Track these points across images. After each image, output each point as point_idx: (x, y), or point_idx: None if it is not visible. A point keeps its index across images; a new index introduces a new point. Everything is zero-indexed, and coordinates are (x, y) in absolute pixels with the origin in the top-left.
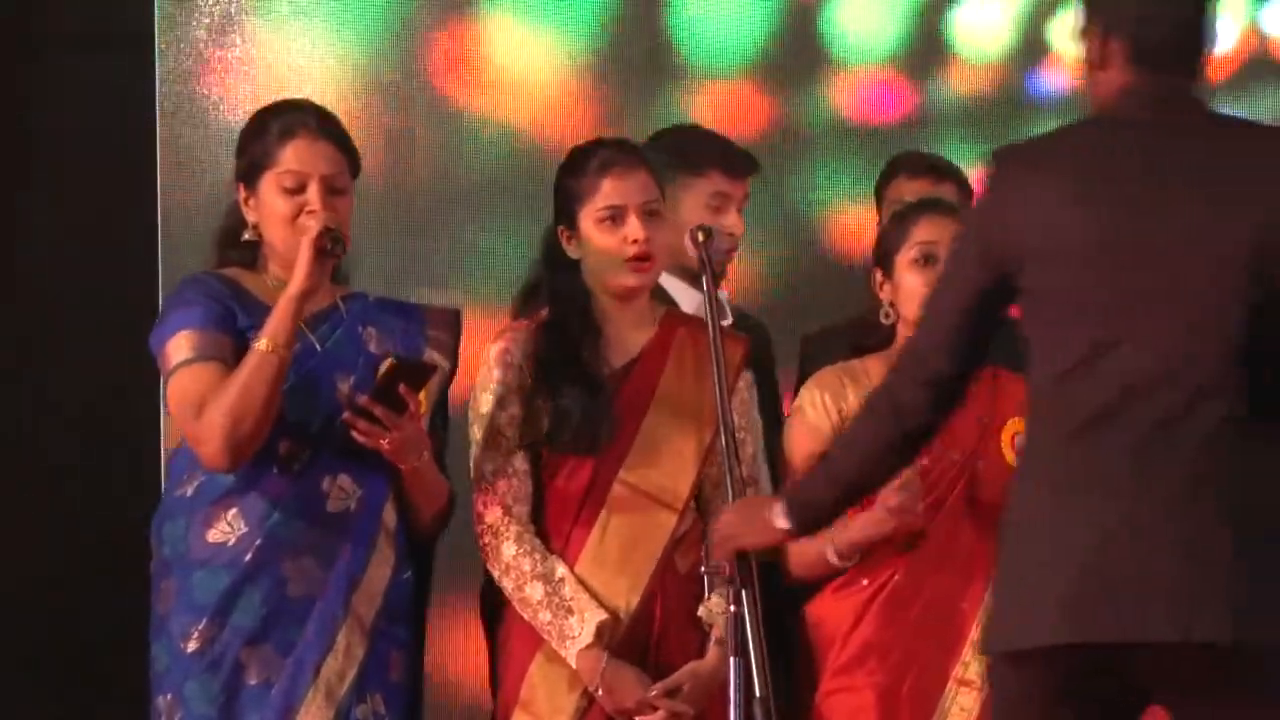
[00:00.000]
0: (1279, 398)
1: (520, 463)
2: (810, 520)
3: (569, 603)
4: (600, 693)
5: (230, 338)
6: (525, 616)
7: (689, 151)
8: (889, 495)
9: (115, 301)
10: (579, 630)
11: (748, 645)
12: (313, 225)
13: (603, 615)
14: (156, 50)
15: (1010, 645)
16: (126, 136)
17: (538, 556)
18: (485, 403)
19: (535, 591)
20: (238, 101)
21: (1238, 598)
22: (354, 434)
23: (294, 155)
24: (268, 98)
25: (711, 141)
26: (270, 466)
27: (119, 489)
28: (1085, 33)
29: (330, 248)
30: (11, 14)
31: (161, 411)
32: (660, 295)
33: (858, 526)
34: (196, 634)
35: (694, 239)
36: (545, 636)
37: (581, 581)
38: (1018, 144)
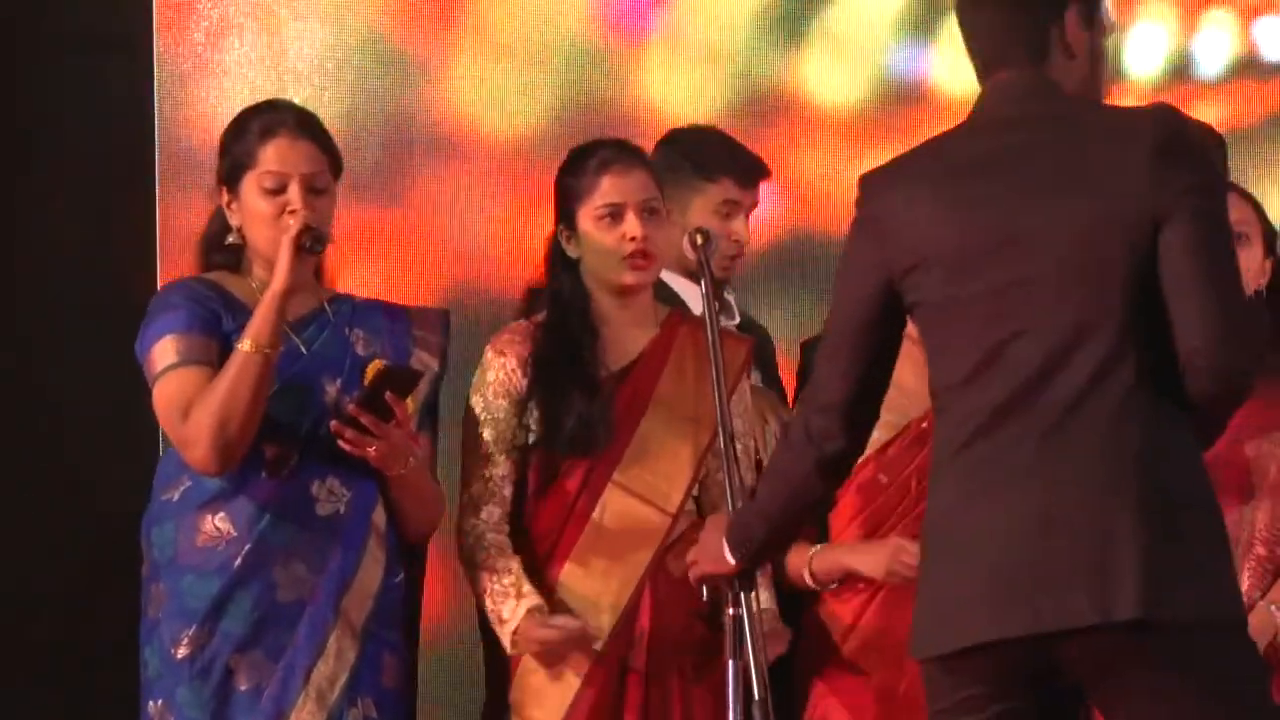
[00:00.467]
0: (1173, 370)
1: (499, 468)
2: (751, 555)
3: (509, 590)
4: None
5: (215, 341)
6: (485, 610)
7: (702, 156)
8: (906, 554)
9: (114, 304)
10: (509, 615)
11: (746, 648)
12: (291, 224)
13: (536, 601)
14: (155, 53)
15: (937, 649)
16: (125, 139)
17: (494, 552)
18: (475, 404)
19: (487, 583)
20: (236, 104)
21: (1152, 575)
22: (340, 443)
23: (274, 155)
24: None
25: (725, 147)
26: (258, 470)
27: (119, 490)
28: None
29: (310, 246)
30: (9, 16)
31: None
32: (666, 296)
33: (846, 555)
34: (187, 639)
35: (692, 242)
36: (494, 626)
37: (570, 581)
38: (880, 165)
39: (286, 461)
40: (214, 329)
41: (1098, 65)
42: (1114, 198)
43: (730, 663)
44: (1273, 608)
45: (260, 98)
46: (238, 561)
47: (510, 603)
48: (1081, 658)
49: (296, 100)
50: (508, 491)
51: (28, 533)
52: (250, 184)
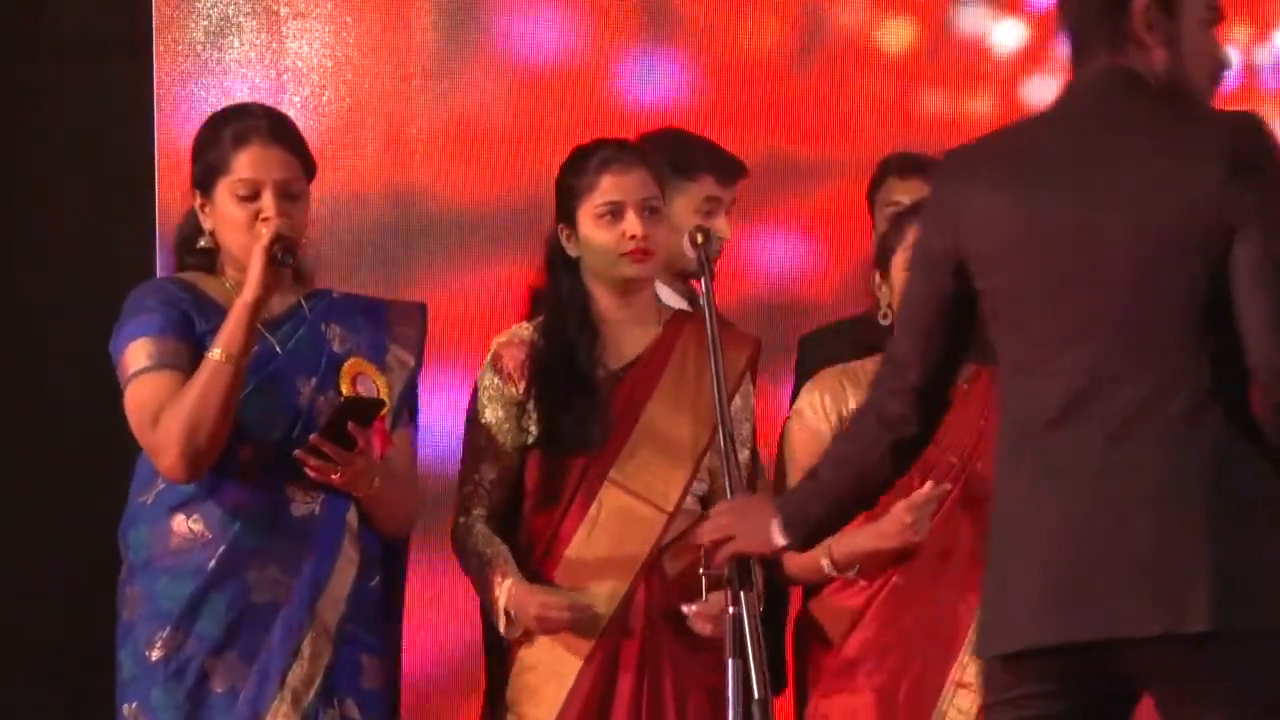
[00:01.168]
0: (1243, 380)
1: (490, 473)
2: (808, 537)
3: (499, 570)
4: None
5: (188, 345)
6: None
7: (681, 156)
8: (904, 510)
9: (113, 302)
10: (500, 592)
11: (746, 647)
12: (265, 233)
13: (516, 578)
14: (154, 52)
15: (999, 649)
16: (125, 138)
17: (482, 542)
18: (473, 406)
19: (478, 570)
20: (236, 103)
21: (1222, 585)
22: (305, 470)
23: (247, 163)
24: (265, 99)
25: (702, 147)
26: (233, 472)
27: (116, 491)
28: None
29: (281, 257)
30: (10, 16)
31: None
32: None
33: (861, 539)
34: (161, 641)
35: (693, 240)
36: (490, 610)
37: (566, 579)
38: (958, 148)
39: (260, 462)
40: (187, 332)
41: (1187, 57)
42: (1187, 207)
43: (730, 662)
44: None
45: (260, 97)
46: (212, 563)
47: (499, 579)
48: (1147, 665)
49: (296, 100)
50: (497, 496)
51: (27, 532)
52: (224, 190)
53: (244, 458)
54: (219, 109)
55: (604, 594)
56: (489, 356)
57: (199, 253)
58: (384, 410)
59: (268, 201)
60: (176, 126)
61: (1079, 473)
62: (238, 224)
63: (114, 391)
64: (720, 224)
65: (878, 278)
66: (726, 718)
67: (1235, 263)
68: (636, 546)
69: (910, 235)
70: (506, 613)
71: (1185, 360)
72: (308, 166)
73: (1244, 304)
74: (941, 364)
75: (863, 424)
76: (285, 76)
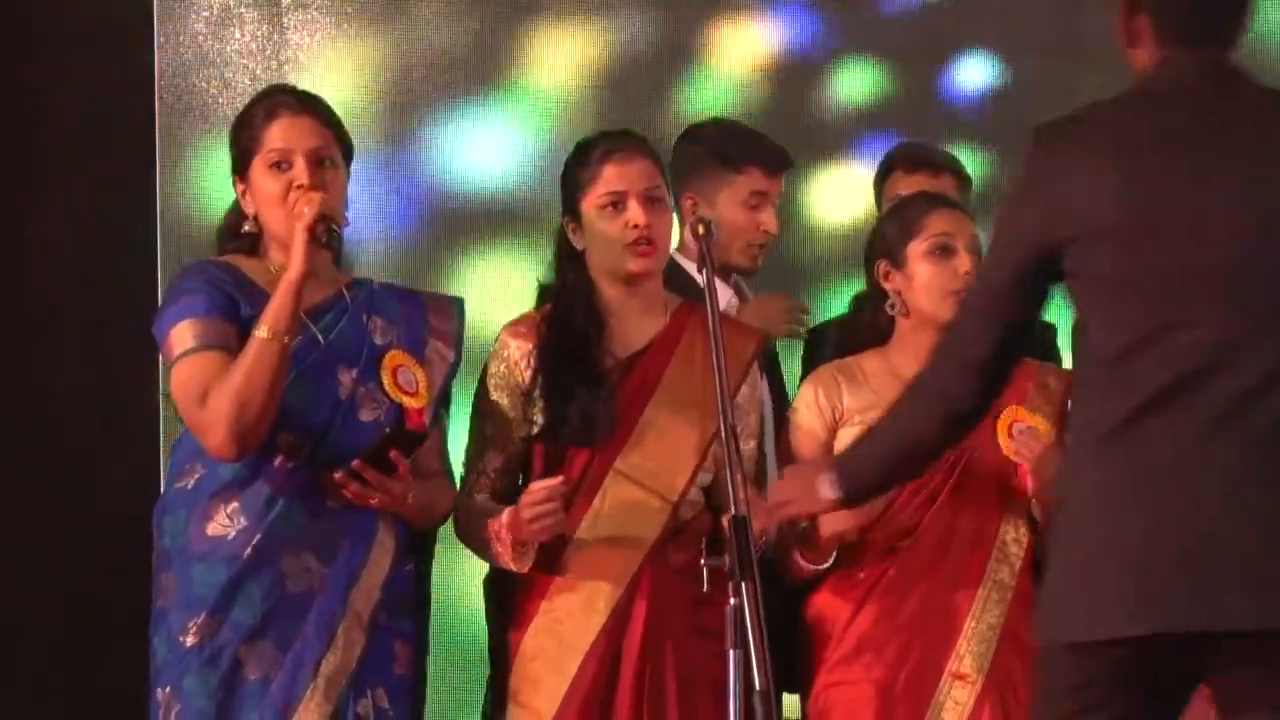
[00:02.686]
0: None
1: (495, 461)
2: (860, 493)
3: (493, 513)
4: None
5: (233, 325)
6: (490, 549)
7: (727, 148)
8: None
9: (114, 294)
10: (496, 525)
11: (747, 638)
12: (305, 211)
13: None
14: (155, 43)
15: (1077, 636)
16: (125, 129)
17: (478, 511)
18: (480, 395)
19: (478, 528)
20: (236, 95)
21: None
22: (344, 492)
23: (278, 133)
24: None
25: (749, 138)
26: (271, 460)
27: (119, 483)
28: (1119, 10)
29: (326, 241)
30: (11, 8)
31: (161, 405)
32: (680, 279)
33: (824, 523)
34: (195, 628)
35: (694, 231)
36: (494, 550)
37: (570, 568)
38: (1056, 121)
39: (299, 451)
40: (232, 313)
41: None
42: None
43: (731, 653)
44: None
45: (261, 88)
46: (248, 551)
47: (494, 519)
48: (1232, 660)
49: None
50: (501, 484)
51: (28, 531)
52: (258, 167)
53: (283, 446)
54: (248, 95)
55: (608, 583)
56: (497, 345)
57: (241, 239)
58: (425, 440)
59: (299, 169)
60: (177, 117)
61: (1173, 465)
62: (273, 196)
63: (115, 388)
64: (765, 217)
65: (885, 268)
66: (729, 708)
67: None
68: (641, 536)
69: (930, 225)
70: (511, 544)
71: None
72: (343, 139)
73: None
74: (1006, 339)
75: (925, 392)
76: (286, 67)
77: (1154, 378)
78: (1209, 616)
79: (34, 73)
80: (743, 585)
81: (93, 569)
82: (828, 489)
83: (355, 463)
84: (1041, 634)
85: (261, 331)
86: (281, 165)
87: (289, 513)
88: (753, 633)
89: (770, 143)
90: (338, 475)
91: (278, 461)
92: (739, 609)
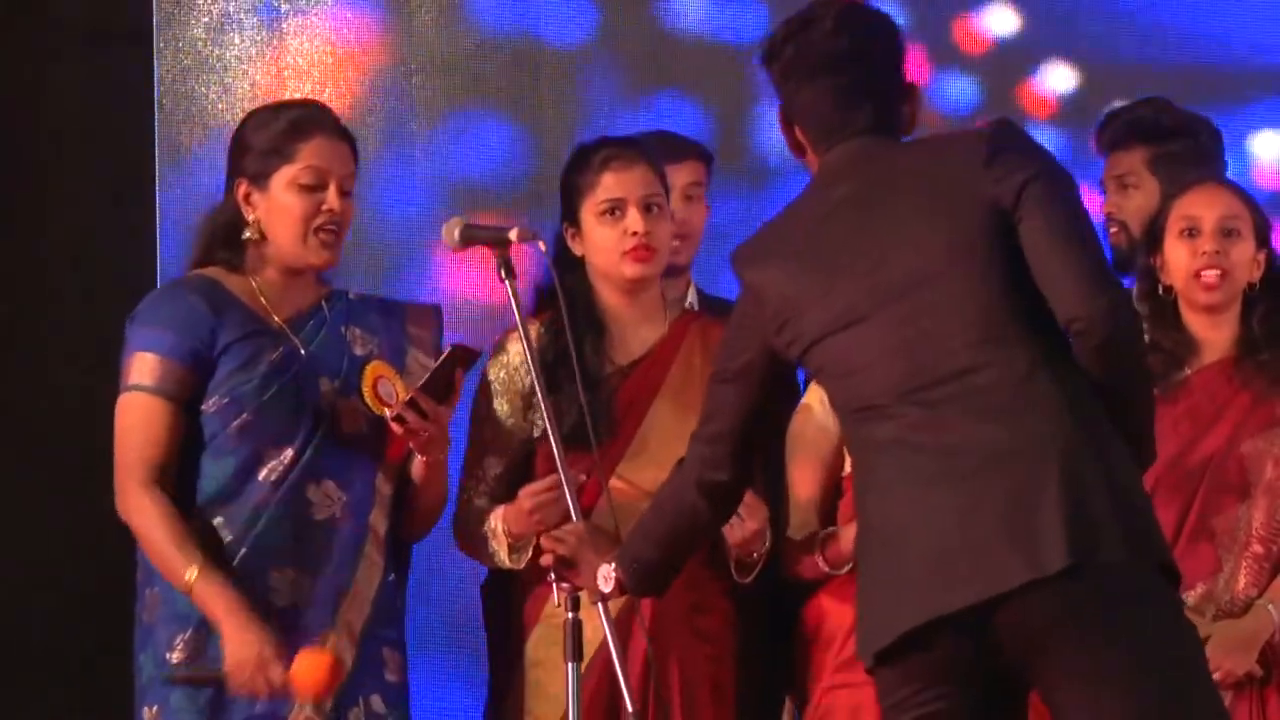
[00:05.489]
0: (1060, 339)
1: (495, 467)
2: (644, 578)
3: (492, 514)
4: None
5: (194, 374)
6: (487, 548)
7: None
8: None
9: (113, 299)
10: (494, 522)
11: (582, 649)
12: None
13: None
14: (155, 48)
15: (877, 643)
16: (125, 135)
17: (478, 518)
18: (479, 402)
19: (477, 531)
20: (236, 100)
21: (1078, 526)
22: (396, 427)
23: (315, 152)
24: (266, 96)
25: (653, 137)
26: (255, 474)
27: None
28: (781, 123)
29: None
30: (10, 12)
31: None
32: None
33: (848, 534)
34: (181, 644)
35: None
36: (493, 550)
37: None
38: (745, 241)
39: (282, 465)
40: (198, 358)
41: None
42: (966, 207)
43: (569, 666)
44: (1270, 607)
45: (260, 94)
46: (233, 565)
47: (492, 518)
48: (1021, 622)
49: (297, 97)
50: (501, 490)
51: (28, 531)
52: (284, 179)
53: (268, 460)
54: (268, 102)
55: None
56: (495, 349)
57: (231, 247)
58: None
59: (333, 194)
60: (177, 123)
61: (923, 467)
62: (298, 215)
63: (115, 391)
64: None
65: None
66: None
67: (1024, 236)
68: None
69: None
70: (509, 540)
71: (999, 339)
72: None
73: (1042, 263)
74: (750, 416)
75: (681, 467)
76: (286, 73)
77: (898, 396)
78: (982, 586)
79: (34, 78)
80: (600, 608)
81: (93, 569)
82: (603, 581)
83: (414, 391)
84: (857, 653)
85: (190, 573)
86: (313, 185)
87: (274, 527)
88: (616, 655)
89: (673, 135)
90: (398, 409)
91: (261, 475)
92: (578, 624)
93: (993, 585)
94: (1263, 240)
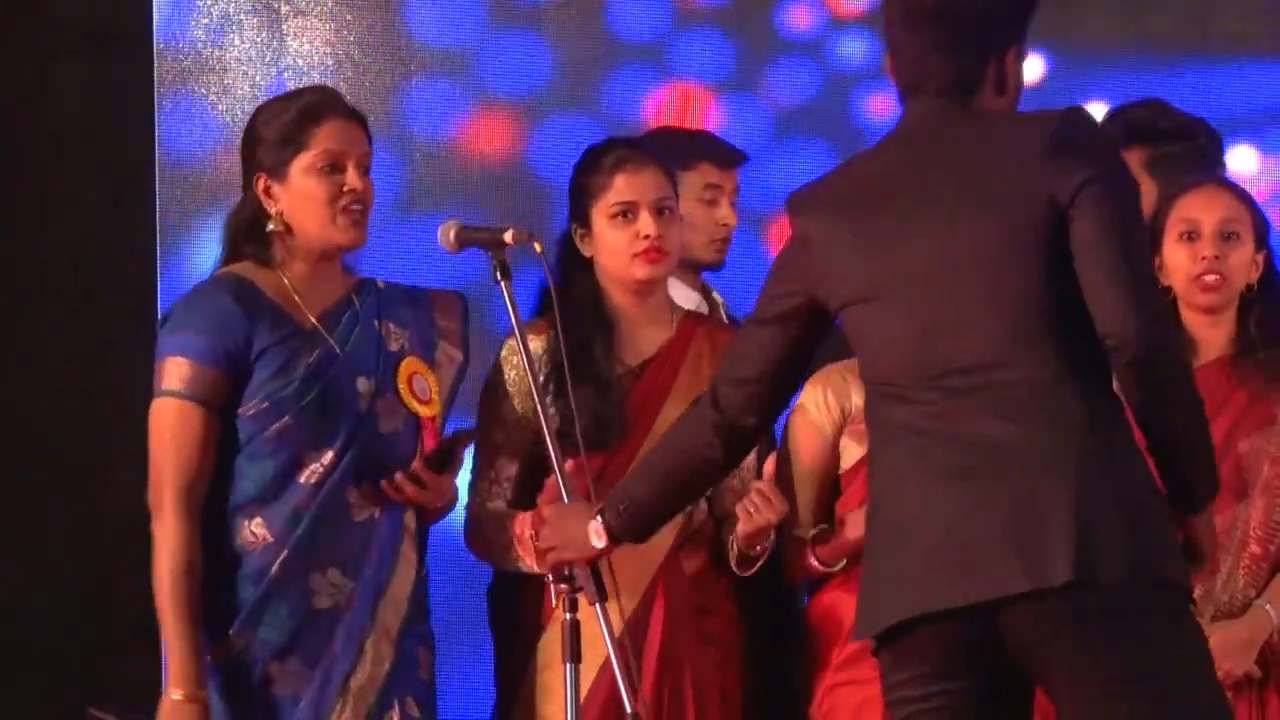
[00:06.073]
0: (1094, 347)
1: (508, 469)
2: (632, 531)
3: (512, 517)
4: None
5: (227, 378)
6: (511, 553)
7: (676, 147)
8: None
9: (113, 299)
10: (516, 527)
11: (580, 651)
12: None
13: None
14: (154, 50)
15: (872, 628)
16: (125, 135)
17: (493, 516)
18: (488, 404)
19: (494, 533)
20: (236, 100)
21: (1083, 540)
22: (392, 493)
23: (329, 136)
24: (266, 97)
25: (697, 136)
26: (295, 477)
27: (118, 489)
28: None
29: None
30: (10, 12)
31: None
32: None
33: (849, 526)
34: (221, 645)
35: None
36: (514, 553)
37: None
38: (805, 185)
39: (322, 467)
40: (231, 361)
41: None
42: (1021, 198)
43: (566, 667)
44: (1268, 607)
45: (261, 95)
46: (274, 568)
47: (514, 520)
48: (1019, 627)
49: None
50: (516, 492)
51: (28, 531)
52: (302, 166)
53: (308, 463)
54: (276, 94)
55: (623, 591)
56: (504, 352)
57: (258, 240)
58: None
59: (352, 174)
60: (176, 125)
61: (936, 455)
62: (320, 199)
63: (115, 391)
64: (723, 212)
65: None
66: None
67: (1075, 238)
68: (654, 545)
69: None
70: (533, 544)
71: (1032, 336)
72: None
73: (1088, 271)
74: (782, 361)
75: (696, 408)
76: (286, 75)
77: (924, 381)
78: (986, 586)
79: (33, 78)
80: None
81: (93, 569)
82: (595, 536)
83: (415, 466)
84: (855, 633)
85: (175, 694)
86: (331, 168)
87: (315, 529)
88: (616, 655)
89: (719, 139)
90: (398, 477)
91: (302, 478)
92: (576, 624)
93: (992, 589)
94: (1261, 241)
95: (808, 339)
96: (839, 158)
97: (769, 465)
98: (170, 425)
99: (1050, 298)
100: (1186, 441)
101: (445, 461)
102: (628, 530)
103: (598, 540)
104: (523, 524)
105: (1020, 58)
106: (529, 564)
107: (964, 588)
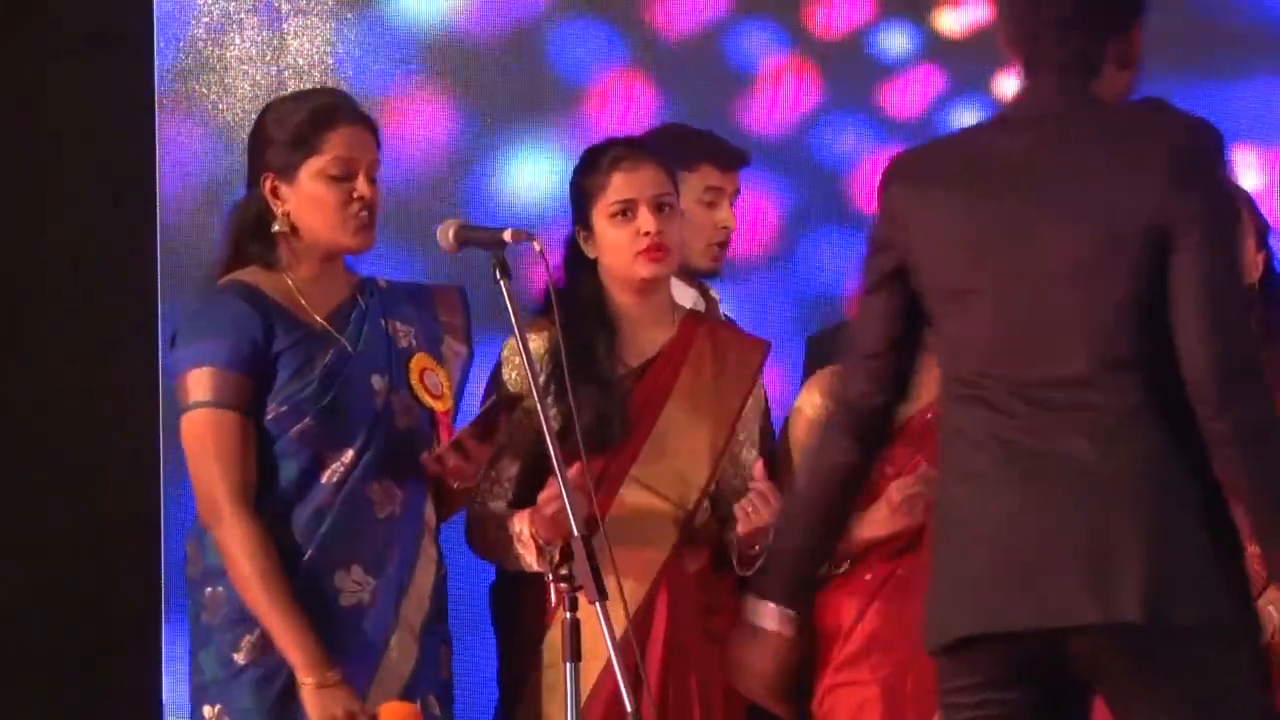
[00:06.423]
0: (1179, 381)
1: (509, 469)
2: (794, 577)
3: (514, 516)
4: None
5: (251, 379)
6: (512, 552)
7: (679, 147)
8: (893, 492)
9: (113, 299)
10: (519, 525)
11: (580, 650)
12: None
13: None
14: (155, 49)
15: (937, 641)
16: (125, 135)
17: (494, 516)
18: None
19: (494, 531)
20: (236, 100)
21: (1154, 579)
22: (434, 466)
23: (341, 142)
24: (267, 97)
25: (700, 136)
26: (317, 477)
27: (118, 490)
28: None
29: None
30: (10, 13)
31: (161, 410)
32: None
33: (853, 528)
34: (248, 646)
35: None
36: (517, 552)
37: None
38: (905, 155)
39: (343, 466)
40: (252, 364)
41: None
42: (1129, 212)
43: (566, 666)
44: (1270, 607)
45: (261, 94)
46: (299, 568)
47: (516, 519)
48: (1084, 654)
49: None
50: (518, 491)
51: (28, 531)
52: (312, 170)
53: (329, 463)
54: (281, 95)
55: (626, 593)
56: (506, 353)
57: (263, 241)
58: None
59: (363, 182)
60: (177, 124)
61: (1018, 468)
62: (328, 204)
63: (115, 391)
64: (723, 214)
65: None
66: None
67: (1174, 270)
68: (657, 544)
69: None
70: (534, 542)
71: (1120, 362)
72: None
73: (1180, 312)
74: (898, 338)
75: (823, 429)
76: (286, 74)
77: (997, 386)
78: (1051, 613)
79: (34, 78)
80: (598, 608)
81: (93, 569)
82: (768, 620)
83: (460, 434)
84: (924, 642)
85: (308, 681)
86: (342, 175)
87: (338, 528)
88: (615, 655)
89: (723, 140)
90: (439, 451)
91: (324, 478)
92: (575, 623)
93: (1058, 616)
94: (1261, 241)
95: (917, 303)
96: None
97: (758, 466)
98: (208, 435)
99: (1145, 319)
100: (1265, 490)
101: (487, 430)
102: (795, 588)
103: (782, 626)
104: (522, 521)
105: (1144, 28)
106: (530, 561)
107: (1035, 610)
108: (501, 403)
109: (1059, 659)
